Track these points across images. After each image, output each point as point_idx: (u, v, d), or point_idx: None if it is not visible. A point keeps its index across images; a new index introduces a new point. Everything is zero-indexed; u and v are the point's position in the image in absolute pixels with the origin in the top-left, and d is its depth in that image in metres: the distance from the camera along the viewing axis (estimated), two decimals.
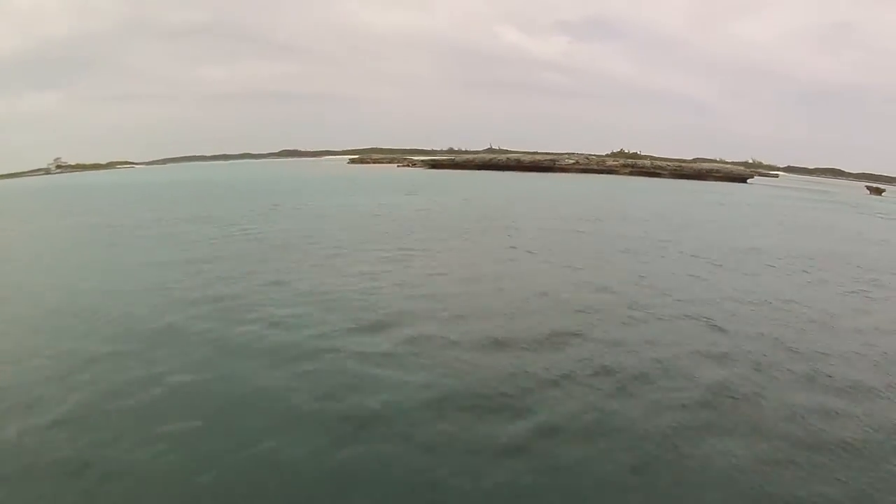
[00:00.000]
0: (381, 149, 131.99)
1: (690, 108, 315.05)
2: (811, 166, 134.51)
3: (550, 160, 63.24)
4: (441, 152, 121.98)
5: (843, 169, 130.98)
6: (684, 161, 73.37)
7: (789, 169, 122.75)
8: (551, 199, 29.71)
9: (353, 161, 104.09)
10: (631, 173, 61.26)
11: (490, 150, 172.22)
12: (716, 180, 60.58)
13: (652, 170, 60.84)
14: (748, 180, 62.10)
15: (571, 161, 62.65)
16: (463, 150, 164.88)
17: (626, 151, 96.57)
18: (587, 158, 64.22)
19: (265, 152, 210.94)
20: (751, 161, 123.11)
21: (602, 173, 62.16)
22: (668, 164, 62.74)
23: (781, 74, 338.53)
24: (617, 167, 61.64)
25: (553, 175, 58.50)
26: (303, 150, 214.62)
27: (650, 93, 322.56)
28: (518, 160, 63.16)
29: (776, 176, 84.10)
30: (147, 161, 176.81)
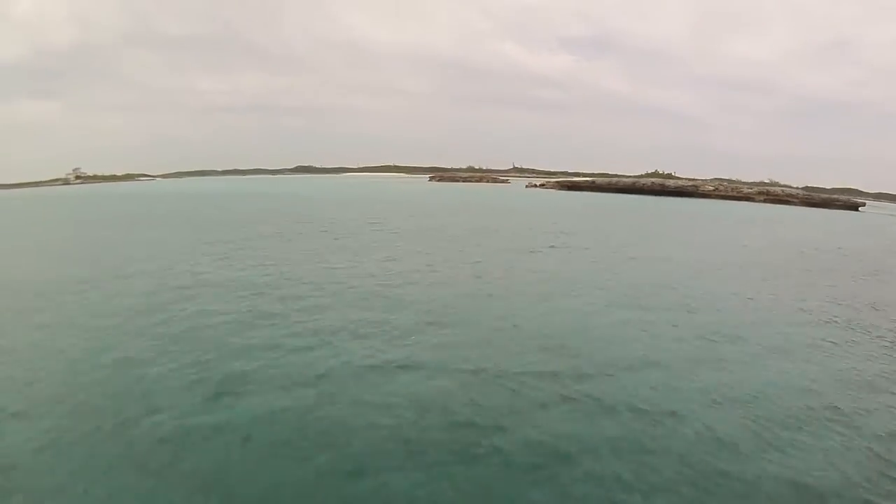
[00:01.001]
0: (461, 169, 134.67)
1: (696, 126, 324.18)
2: (828, 186, 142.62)
3: (693, 185, 68.99)
4: (555, 173, 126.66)
5: (860, 189, 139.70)
6: (700, 180, 77.68)
7: (808, 189, 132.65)
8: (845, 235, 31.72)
9: (433, 179, 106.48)
10: (765, 201, 67.83)
11: (516, 169, 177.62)
12: (836, 208, 68.33)
13: (784, 197, 67.73)
14: (860, 208, 70.33)
15: (711, 188, 68.63)
16: (484, 168, 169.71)
17: (661, 172, 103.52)
18: (722, 184, 70.49)
19: (279, 168, 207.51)
20: (767, 181, 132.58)
21: (740, 199, 68.48)
22: (798, 191, 69.86)
23: (785, 91, 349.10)
24: (753, 195, 68.08)
25: (705, 202, 63.84)
26: (318, 165, 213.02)
27: (659, 111, 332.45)
28: (662, 184, 68.47)
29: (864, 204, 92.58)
30: (162, 174, 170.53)
